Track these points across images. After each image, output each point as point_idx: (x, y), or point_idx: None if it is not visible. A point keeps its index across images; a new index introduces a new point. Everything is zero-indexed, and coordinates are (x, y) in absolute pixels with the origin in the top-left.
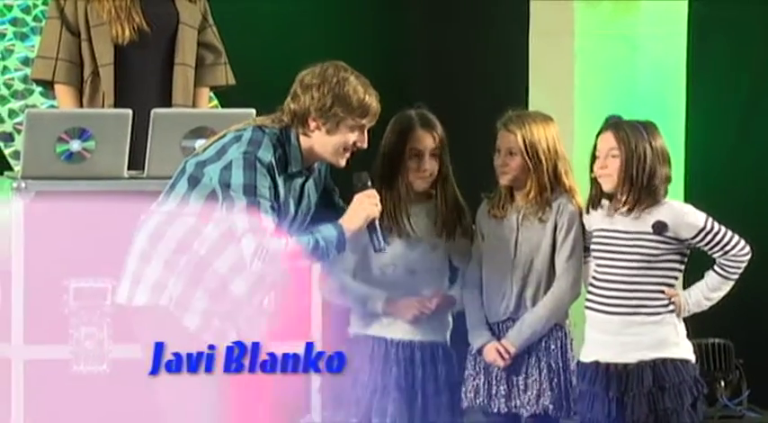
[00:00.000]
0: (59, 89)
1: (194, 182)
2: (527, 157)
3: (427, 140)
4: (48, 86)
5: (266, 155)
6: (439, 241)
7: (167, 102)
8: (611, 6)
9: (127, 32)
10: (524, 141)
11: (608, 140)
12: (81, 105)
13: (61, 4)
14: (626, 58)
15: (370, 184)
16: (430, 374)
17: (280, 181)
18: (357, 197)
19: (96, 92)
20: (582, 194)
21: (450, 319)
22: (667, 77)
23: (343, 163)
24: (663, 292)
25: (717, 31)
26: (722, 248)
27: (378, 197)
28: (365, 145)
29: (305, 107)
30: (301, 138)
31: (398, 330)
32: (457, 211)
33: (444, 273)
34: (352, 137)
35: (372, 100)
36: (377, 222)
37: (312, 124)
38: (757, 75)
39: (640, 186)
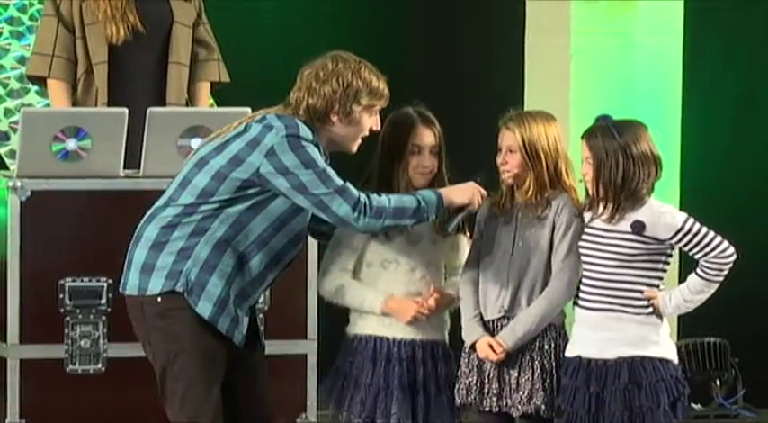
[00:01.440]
0: (53, 84)
1: (220, 177)
2: (526, 155)
3: (428, 137)
4: (42, 84)
5: (307, 133)
6: (438, 237)
7: (162, 100)
8: (608, 5)
9: (122, 32)
10: (523, 139)
11: (583, 148)
12: (73, 102)
13: (57, 2)
14: (622, 56)
15: (479, 180)
16: (431, 373)
17: None
18: (471, 184)
19: (90, 89)
20: (579, 194)
21: (448, 317)
22: (663, 76)
23: (355, 149)
24: (643, 291)
25: (713, 29)
26: (702, 250)
27: (485, 196)
28: (379, 127)
29: (326, 101)
30: (319, 131)
31: (399, 329)
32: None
33: (442, 269)
34: (370, 122)
35: (384, 83)
36: (464, 214)
37: (334, 118)
38: (753, 74)
39: (616, 191)
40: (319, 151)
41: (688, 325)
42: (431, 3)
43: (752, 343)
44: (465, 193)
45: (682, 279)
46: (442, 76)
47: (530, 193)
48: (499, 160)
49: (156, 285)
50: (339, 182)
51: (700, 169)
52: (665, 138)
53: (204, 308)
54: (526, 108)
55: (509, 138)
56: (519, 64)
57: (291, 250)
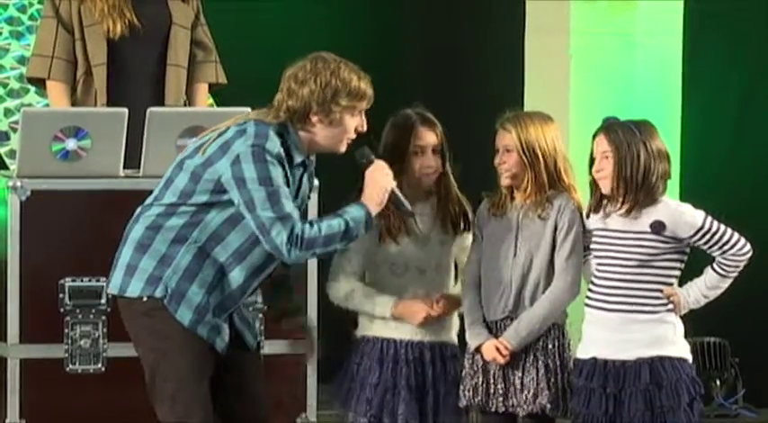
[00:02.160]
0: (52, 85)
1: (196, 178)
2: (523, 155)
3: (430, 137)
4: (42, 85)
5: (274, 146)
6: (446, 238)
7: (160, 102)
8: (607, 5)
9: (119, 27)
10: (520, 139)
11: (601, 143)
12: (72, 103)
13: (56, 4)
14: (622, 56)
15: (373, 157)
16: (440, 374)
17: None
18: (368, 173)
19: (89, 91)
20: (579, 194)
21: (457, 318)
22: (663, 76)
23: (344, 149)
24: (661, 290)
25: (713, 29)
26: (721, 247)
27: (386, 166)
28: (365, 128)
29: (304, 102)
30: (301, 133)
31: (407, 331)
32: (460, 207)
33: (451, 270)
34: (353, 123)
35: (366, 83)
36: (396, 190)
37: (314, 119)
38: (753, 73)
39: (636, 186)
40: (284, 168)
41: (688, 325)
42: (430, 3)
43: (752, 343)
44: (377, 185)
45: (684, 276)
46: (442, 77)
47: (528, 192)
48: (496, 160)
49: (135, 288)
50: (286, 209)
51: (700, 170)
52: (665, 138)
53: (184, 315)
54: (526, 108)
55: (506, 138)
56: (519, 64)
57: (271, 264)
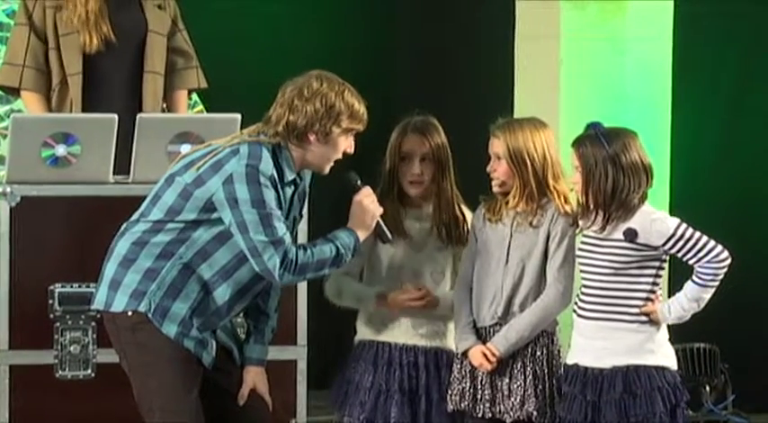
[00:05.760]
0: (27, 96)
1: (186, 195)
2: (511, 163)
3: (416, 144)
4: (12, 93)
5: (267, 168)
6: (442, 246)
7: (137, 109)
8: (598, 9)
9: (95, 41)
10: (508, 147)
11: (573, 156)
12: (49, 112)
13: (29, 11)
14: (612, 60)
15: (359, 182)
16: (434, 379)
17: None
18: (355, 200)
19: (64, 100)
20: (570, 201)
21: (453, 325)
22: (653, 80)
23: (328, 170)
24: (638, 298)
25: (703, 33)
26: (695, 255)
27: (372, 193)
28: (353, 150)
29: (307, 119)
30: (294, 150)
31: (401, 335)
32: (454, 218)
33: (447, 277)
34: (344, 145)
35: (363, 107)
36: (379, 218)
37: (312, 137)
38: (743, 76)
39: (605, 203)
40: (276, 190)
41: (678, 331)
42: (420, 7)
43: (741, 349)
44: (364, 212)
45: (672, 284)
46: (432, 82)
47: (517, 199)
48: (488, 168)
49: (120, 303)
50: (279, 233)
51: (689, 175)
52: (654, 143)
53: (169, 328)
54: (516, 114)
55: (496, 145)
56: (508, 69)
57: (258, 283)
